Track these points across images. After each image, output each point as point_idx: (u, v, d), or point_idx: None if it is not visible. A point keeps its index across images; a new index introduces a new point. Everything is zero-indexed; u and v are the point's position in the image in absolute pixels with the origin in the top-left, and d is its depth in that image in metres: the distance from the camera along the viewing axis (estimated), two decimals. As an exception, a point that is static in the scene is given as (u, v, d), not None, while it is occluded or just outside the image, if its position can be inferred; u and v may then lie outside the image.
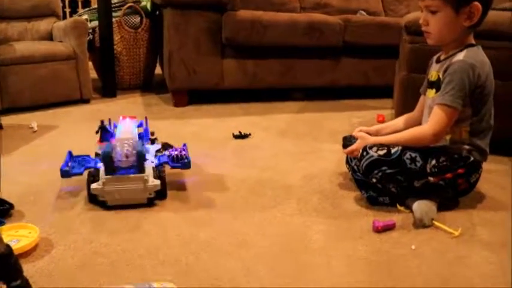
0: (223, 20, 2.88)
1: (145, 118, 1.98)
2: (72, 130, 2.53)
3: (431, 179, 1.52)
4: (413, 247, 1.35)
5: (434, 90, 1.59)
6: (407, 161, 1.51)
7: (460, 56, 1.52)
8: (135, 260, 1.27)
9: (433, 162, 1.52)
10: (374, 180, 1.55)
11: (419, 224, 1.47)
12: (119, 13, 3.42)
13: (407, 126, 1.72)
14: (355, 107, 3.04)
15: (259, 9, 3.03)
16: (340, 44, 3.05)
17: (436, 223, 1.47)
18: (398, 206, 1.57)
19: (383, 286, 1.18)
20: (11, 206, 1.55)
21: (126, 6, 3.45)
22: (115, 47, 3.37)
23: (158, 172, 1.62)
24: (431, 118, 1.53)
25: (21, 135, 2.40)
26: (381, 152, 1.52)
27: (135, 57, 3.51)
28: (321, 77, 3.14)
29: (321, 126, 2.61)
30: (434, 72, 1.62)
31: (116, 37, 3.38)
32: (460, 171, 1.53)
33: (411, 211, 1.52)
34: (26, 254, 1.28)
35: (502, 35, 1.98)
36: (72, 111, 2.92)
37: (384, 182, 1.54)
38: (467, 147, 1.56)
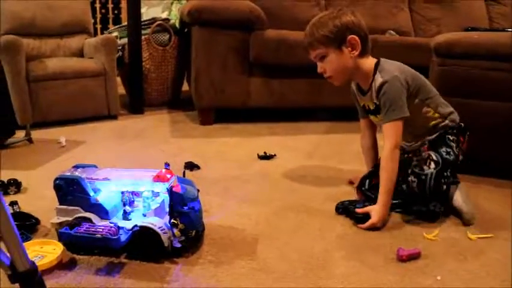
0: (251, 39, 2.90)
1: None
2: (99, 146, 2.57)
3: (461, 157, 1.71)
4: (438, 278, 1.30)
5: (379, 116, 1.71)
6: (447, 156, 1.65)
7: (378, 78, 1.64)
8: (156, 282, 1.26)
9: (452, 144, 1.69)
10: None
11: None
12: (148, 31, 3.48)
13: (368, 153, 1.91)
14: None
15: (286, 28, 3.03)
16: (367, 64, 3.03)
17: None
18: (424, 234, 1.54)
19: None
20: (37, 221, 1.56)
21: (155, 24, 3.50)
22: (143, 63, 3.42)
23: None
24: (386, 136, 1.64)
25: (50, 150, 2.45)
26: (433, 165, 1.61)
27: (163, 74, 3.56)
28: (348, 97, 3.10)
29: (348, 148, 2.58)
30: (368, 102, 1.75)
31: (145, 54, 3.44)
32: (461, 139, 1.74)
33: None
34: (50, 270, 1.29)
35: (502, 56, 1.95)
36: (100, 127, 2.97)
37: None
38: (446, 121, 1.73)
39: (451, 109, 1.77)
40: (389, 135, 1.63)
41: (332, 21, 1.62)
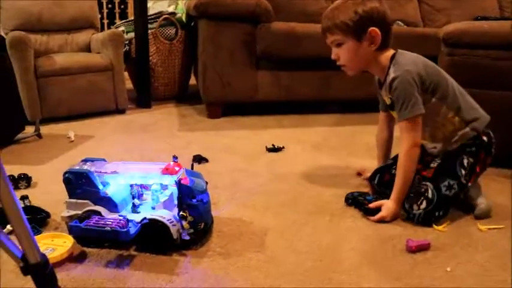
0: (257, 32, 2.88)
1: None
2: (108, 140, 2.58)
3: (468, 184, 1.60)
4: (448, 269, 1.30)
5: (394, 112, 1.65)
6: (447, 192, 1.54)
7: (391, 72, 1.56)
8: (165, 275, 1.27)
9: (462, 171, 1.57)
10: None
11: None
12: (155, 25, 3.48)
13: (382, 147, 1.86)
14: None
15: (294, 21, 3.02)
16: (375, 55, 3.01)
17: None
18: (434, 225, 1.53)
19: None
20: (48, 214, 1.57)
21: (161, 18, 3.50)
22: (150, 58, 3.42)
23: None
24: (403, 136, 1.58)
25: (59, 145, 2.46)
26: (424, 206, 1.53)
27: (170, 68, 3.56)
28: (358, 89, 3.08)
29: (357, 140, 2.57)
30: (385, 98, 1.67)
31: (152, 48, 3.44)
32: (482, 156, 1.61)
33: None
34: (60, 263, 1.30)
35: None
36: (108, 122, 2.98)
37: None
38: (467, 129, 1.60)
39: (478, 114, 1.62)
40: (406, 134, 1.57)
41: (355, 8, 1.52)
